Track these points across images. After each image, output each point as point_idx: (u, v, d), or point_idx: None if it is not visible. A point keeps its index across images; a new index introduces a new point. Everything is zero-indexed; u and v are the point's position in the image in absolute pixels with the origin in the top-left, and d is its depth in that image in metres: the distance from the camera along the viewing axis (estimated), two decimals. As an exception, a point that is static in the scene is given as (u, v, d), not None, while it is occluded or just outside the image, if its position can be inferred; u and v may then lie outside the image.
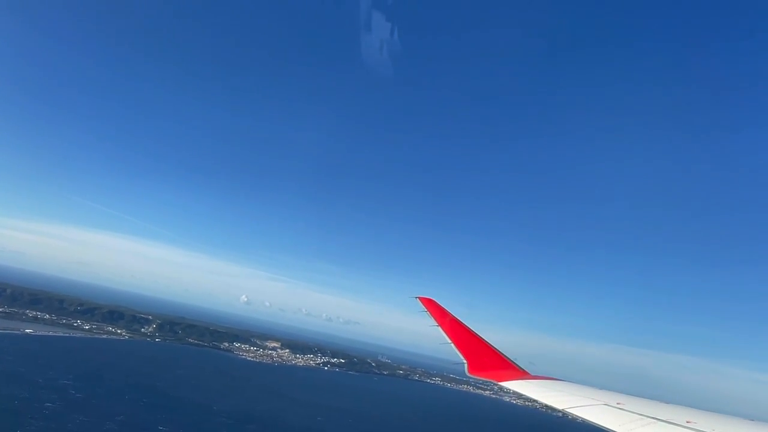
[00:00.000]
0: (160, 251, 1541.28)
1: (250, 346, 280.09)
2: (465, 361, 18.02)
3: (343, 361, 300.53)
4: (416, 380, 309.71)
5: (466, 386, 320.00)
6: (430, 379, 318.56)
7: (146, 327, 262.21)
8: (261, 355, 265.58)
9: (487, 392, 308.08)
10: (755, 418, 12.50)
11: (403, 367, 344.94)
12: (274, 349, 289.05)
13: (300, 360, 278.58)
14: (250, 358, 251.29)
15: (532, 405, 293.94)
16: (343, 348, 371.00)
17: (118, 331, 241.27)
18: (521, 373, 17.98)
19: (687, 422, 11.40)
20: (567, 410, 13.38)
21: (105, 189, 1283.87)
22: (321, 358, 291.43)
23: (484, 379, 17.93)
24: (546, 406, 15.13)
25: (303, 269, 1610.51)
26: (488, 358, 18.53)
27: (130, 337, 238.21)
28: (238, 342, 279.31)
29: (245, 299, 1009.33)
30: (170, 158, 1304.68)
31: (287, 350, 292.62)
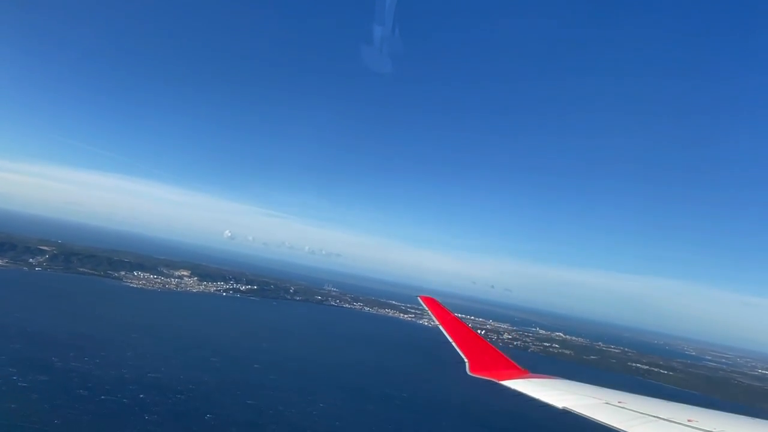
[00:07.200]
0: (149, 189, 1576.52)
1: (152, 274, 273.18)
2: (466, 360, 17.83)
3: (255, 287, 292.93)
4: (333, 305, 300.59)
5: (388, 310, 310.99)
6: (350, 304, 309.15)
7: (37, 257, 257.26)
8: (155, 283, 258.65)
9: (407, 316, 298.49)
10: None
11: (335, 292, 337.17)
12: (180, 277, 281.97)
13: (201, 287, 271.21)
14: (133, 285, 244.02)
15: (429, 324, 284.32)
16: (277, 276, 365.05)
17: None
18: (522, 373, 17.68)
19: (688, 420, 11.42)
20: (568, 408, 13.01)
21: (89, 126, 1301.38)
22: (228, 285, 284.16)
23: (485, 378, 17.08)
24: (543, 402, 14.40)
25: (295, 204, 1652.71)
26: (489, 358, 18.55)
27: (4, 267, 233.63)
28: (139, 271, 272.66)
29: (228, 234, 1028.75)
30: (158, 92, 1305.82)
31: (195, 278, 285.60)
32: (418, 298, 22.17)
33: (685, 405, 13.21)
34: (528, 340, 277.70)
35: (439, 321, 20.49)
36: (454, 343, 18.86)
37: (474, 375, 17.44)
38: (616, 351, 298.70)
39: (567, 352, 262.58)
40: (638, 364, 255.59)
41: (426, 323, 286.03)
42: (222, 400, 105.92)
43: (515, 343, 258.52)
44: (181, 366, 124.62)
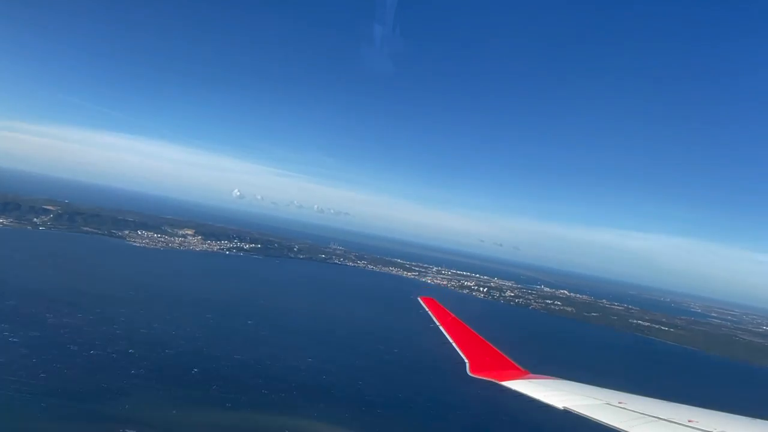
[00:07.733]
0: (160, 149, 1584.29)
1: (155, 233, 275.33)
2: (467, 361, 17.94)
3: (258, 246, 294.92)
4: (336, 263, 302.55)
5: (391, 268, 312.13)
6: (353, 262, 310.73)
7: (41, 217, 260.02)
8: (158, 241, 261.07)
9: (410, 273, 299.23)
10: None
11: (339, 251, 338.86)
12: (183, 236, 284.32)
13: (204, 246, 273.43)
14: (136, 244, 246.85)
15: (432, 282, 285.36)
16: (283, 235, 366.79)
17: (0, 221, 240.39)
18: (522, 373, 17.65)
19: (689, 421, 11.51)
20: (569, 409, 13.05)
21: (98, 86, 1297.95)
22: (232, 244, 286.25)
23: (485, 378, 17.12)
24: (543, 403, 14.41)
25: (305, 163, 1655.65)
26: (489, 358, 18.62)
27: (8, 226, 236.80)
28: (143, 230, 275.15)
29: (237, 193, 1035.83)
30: (167, 53, 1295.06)
31: (199, 237, 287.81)
32: (419, 299, 22.58)
33: (686, 405, 13.12)
34: (530, 297, 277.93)
35: (439, 321, 20.76)
36: (454, 344, 19.19)
37: (474, 376, 17.75)
38: (619, 308, 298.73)
39: (568, 309, 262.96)
40: (640, 321, 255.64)
41: (430, 281, 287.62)
42: (211, 354, 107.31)
43: (517, 300, 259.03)
44: (174, 322, 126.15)
